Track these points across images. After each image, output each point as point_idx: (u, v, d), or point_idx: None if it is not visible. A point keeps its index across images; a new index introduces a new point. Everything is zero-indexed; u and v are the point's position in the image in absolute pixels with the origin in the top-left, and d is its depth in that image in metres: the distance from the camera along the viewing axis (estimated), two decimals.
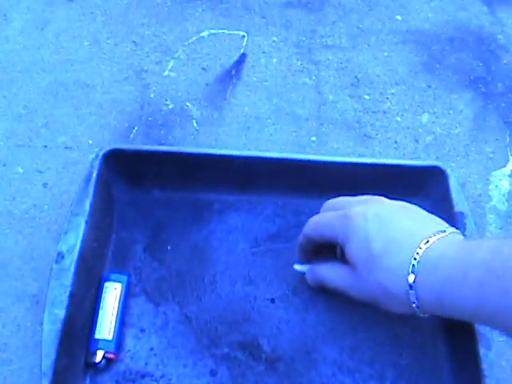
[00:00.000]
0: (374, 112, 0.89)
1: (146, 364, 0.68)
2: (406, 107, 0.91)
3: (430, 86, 0.94)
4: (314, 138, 0.86)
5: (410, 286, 0.53)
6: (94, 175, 0.72)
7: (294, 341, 0.70)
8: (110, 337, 0.67)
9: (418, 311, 0.55)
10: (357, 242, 0.57)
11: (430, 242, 0.53)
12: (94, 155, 0.74)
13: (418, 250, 0.53)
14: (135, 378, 0.67)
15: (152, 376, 0.67)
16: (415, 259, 0.52)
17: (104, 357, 0.66)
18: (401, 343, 0.70)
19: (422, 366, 0.69)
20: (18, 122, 0.87)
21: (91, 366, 0.66)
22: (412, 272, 0.53)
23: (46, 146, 0.85)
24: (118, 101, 0.89)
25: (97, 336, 0.67)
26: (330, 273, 0.64)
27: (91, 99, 0.90)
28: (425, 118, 0.90)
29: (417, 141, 0.87)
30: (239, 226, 0.77)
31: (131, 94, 0.90)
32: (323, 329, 0.70)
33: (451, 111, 0.91)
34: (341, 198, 0.66)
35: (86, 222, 0.69)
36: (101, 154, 0.74)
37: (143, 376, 0.67)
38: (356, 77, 0.93)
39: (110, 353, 0.66)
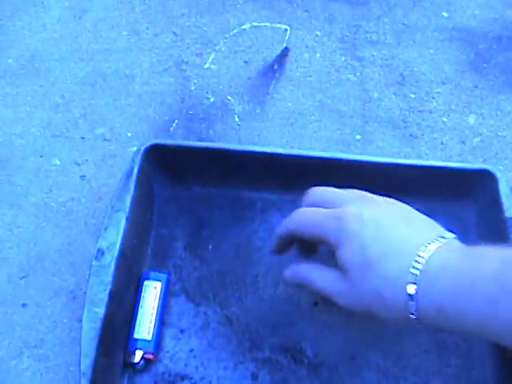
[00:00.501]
0: (419, 111, 0.87)
1: (185, 365, 0.66)
2: (453, 107, 0.88)
3: (476, 86, 0.91)
4: (358, 137, 0.84)
5: (410, 296, 0.50)
6: (136, 170, 0.70)
7: (338, 346, 0.68)
8: (149, 337, 0.65)
9: (417, 322, 0.52)
10: (351, 246, 0.53)
11: (430, 249, 0.50)
12: (135, 149, 0.72)
13: (418, 258, 0.50)
14: (174, 379, 0.65)
15: (191, 378, 0.66)
16: (415, 268, 0.49)
17: (143, 357, 0.64)
18: (447, 351, 0.68)
19: (468, 375, 0.67)
20: (55, 113, 0.86)
21: (130, 366, 0.65)
22: (412, 282, 0.50)
23: (83, 138, 0.83)
24: (157, 92, 0.87)
25: (136, 336, 0.66)
26: (315, 275, 0.59)
27: (130, 90, 0.88)
28: (472, 118, 0.87)
29: (463, 142, 0.85)
30: None
31: (171, 86, 0.88)
32: (368, 334, 0.68)
33: (499, 112, 0.88)
34: (328, 190, 0.62)
35: (127, 219, 0.67)
36: (142, 148, 0.72)
37: (183, 378, 0.66)
38: (401, 74, 0.91)
39: (149, 353, 0.64)
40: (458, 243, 0.53)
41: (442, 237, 0.52)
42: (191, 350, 0.67)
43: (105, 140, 0.83)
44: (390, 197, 0.71)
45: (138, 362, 0.64)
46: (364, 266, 0.53)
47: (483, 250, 0.50)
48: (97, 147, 0.82)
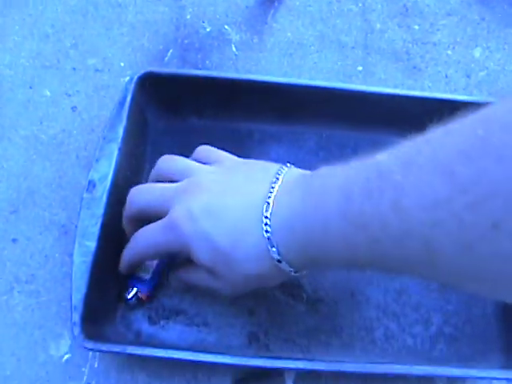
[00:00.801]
0: (423, 43, 0.84)
1: (180, 301, 0.65)
2: (458, 40, 0.85)
3: (483, 19, 0.87)
4: (360, 68, 0.81)
5: (278, 261, 0.47)
6: (128, 99, 0.67)
7: (337, 282, 0.66)
8: (147, 276, 0.63)
9: (297, 274, 0.50)
10: (200, 248, 0.50)
11: (271, 202, 0.46)
12: (127, 78, 0.69)
13: (265, 220, 0.46)
14: (169, 315, 0.64)
15: (186, 313, 0.65)
16: (267, 232, 0.46)
17: (136, 295, 0.62)
18: (448, 288, 0.66)
19: (468, 312, 0.66)
20: (45, 43, 0.82)
21: (122, 301, 0.62)
22: (271, 246, 0.47)
23: (74, 69, 0.80)
24: (151, 22, 0.84)
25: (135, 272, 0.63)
26: (193, 278, 0.57)
27: (123, 20, 0.84)
28: (477, 52, 0.84)
29: (468, 76, 0.82)
30: (281, 159, 0.72)
31: (166, 15, 0.84)
32: (369, 271, 0.66)
33: (506, 46, 0.85)
34: (170, 165, 0.60)
35: (119, 149, 0.64)
36: (135, 77, 0.69)
37: (177, 313, 0.64)
38: (405, 5, 0.87)
39: (144, 293, 0.62)
40: (295, 173, 0.51)
41: (277, 178, 0.49)
42: (186, 285, 0.65)
43: (97, 70, 0.79)
44: (390, 129, 0.69)
45: (131, 299, 0.62)
46: (224, 260, 0.49)
47: (322, 175, 0.47)
48: (88, 78, 0.79)
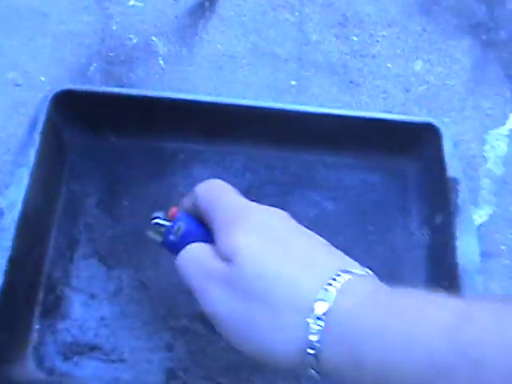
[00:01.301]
0: (362, 56, 0.80)
1: (95, 335, 0.60)
2: (398, 52, 0.82)
3: (425, 30, 0.84)
4: (293, 82, 0.77)
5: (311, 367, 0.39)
6: (42, 119, 0.63)
7: None
8: None
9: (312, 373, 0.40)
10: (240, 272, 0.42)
11: (329, 305, 0.38)
12: (42, 96, 0.64)
13: (318, 314, 0.38)
14: (83, 350, 0.60)
15: (101, 349, 0.60)
16: (315, 332, 0.38)
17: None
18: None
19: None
20: None
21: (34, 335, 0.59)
22: (311, 347, 0.38)
23: None
24: (75, 33, 0.79)
25: None
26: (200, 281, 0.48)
27: (46, 30, 0.80)
28: (418, 65, 0.81)
29: (408, 90, 0.78)
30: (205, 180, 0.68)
31: (91, 26, 0.80)
32: None
33: (447, 59, 0.82)
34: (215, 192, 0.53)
35: (31, 175, 0.60)
36: (50, 95, 0.64)
37: (92, 348, 0.60)
38: (344, 15, 0.83)
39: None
40: (370, 282, 0.41)
41: (347, 271, 0.40)
42: (102, 318, 0.61)
43: (16, 85, 0.75)
44: (322, 149, 0.66)
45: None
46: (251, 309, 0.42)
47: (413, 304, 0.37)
48: (7, 93, 0.74)
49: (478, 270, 0.61)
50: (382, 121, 0.69)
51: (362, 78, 0.79)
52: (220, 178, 0.65)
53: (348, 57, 0.80)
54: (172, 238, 0.52)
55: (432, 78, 0.80)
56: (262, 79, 0.77)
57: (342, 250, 0.64)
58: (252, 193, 0.68)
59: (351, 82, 0.78)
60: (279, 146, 0.70)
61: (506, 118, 0.78)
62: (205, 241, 0.49)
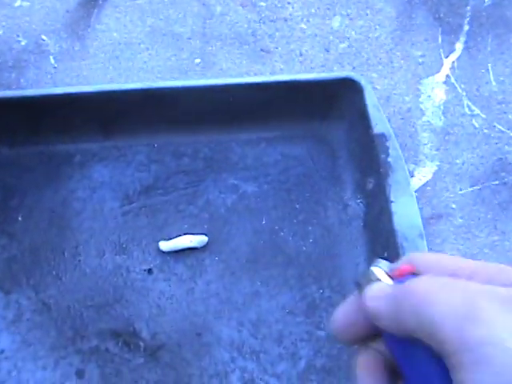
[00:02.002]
0: (272, 21, 0.73)
1: None
2: (313, 11, 0.74)
3: None
4: (198, 61, 0.70)
5: None
6: None
7: (180, 321, 0.56)
8: None
9: None
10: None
11: None
12: None
13: None
14: None
15: None
16: None
17: None
18: (318, 308, 0.55)
19: None
20: None
21: None
22: None
23: None
24: None
25: None
26: None
27: None
28: (336, 21, 0.73)
29: (327, 50, 0.71)
30: (106, 181, 0.61)
31: None
32: (216, 301, 0.55)
33: (368, 11, 0.75)
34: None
35: None
36: None
37: None
38: None
39: None
40: None
41: None
42: (1, 351, 0.55)
43: None
44: (236, 127, 0.59)
45: None
46: None
47: None
48: None
49: (420, 235, 0.53)
50: (295, 83, 0.62)
51: (274, 44, 0.71)
52: (121, 174, 0.58)
53: (257, 24, 0.73)
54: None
55: (353, 33, 0.73)
56: (162, 62, 0.70)
57: (267, 235, 0.56)
58: (158, 186, 0.61)
59: (262, 50, 0.71)
60: (186, 130, 0.64)
61: (440, 63, 0.71)
62: None
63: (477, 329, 0.25)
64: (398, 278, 0.29)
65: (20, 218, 0.60)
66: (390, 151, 0.57)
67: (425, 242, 0.54)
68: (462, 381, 0.26)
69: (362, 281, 0.29)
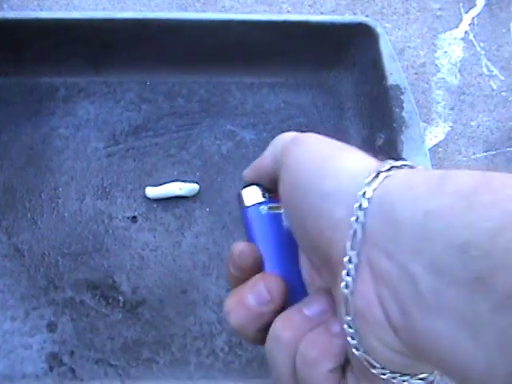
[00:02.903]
0: None
1: None
2: None
3: None
4: None
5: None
6: None
7: (164, 276, 0.51)
8: None
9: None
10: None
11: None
12: None
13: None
14: None
15: None
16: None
17: None
18: None
19: None
20: None
21: None
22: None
23: None
24: None
25: None
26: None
27: None
28: None
29: None
30: (92, 118, 0.56)
31: None
32: (205, 256, 0.50)
33: None
34: None
35: None
36: None
37: None
38: None
39: None
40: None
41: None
42: None
43: None
44: (237, 69, 0.54)
45: None
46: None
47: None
48: None
49: None
50: (305, 24, 0.56)
51: None
52: (108, 112, 0.53)
53: None
54: (262, 210, 0.39)
55: None
56: None
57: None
58: (148, 128, 0.56)
59: None
60: (182, 69, 0.58)
61: (459, 19, 0.66)
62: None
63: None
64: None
65: None
66: (404, 105, 0.52)
67: None
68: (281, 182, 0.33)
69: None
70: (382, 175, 0.28)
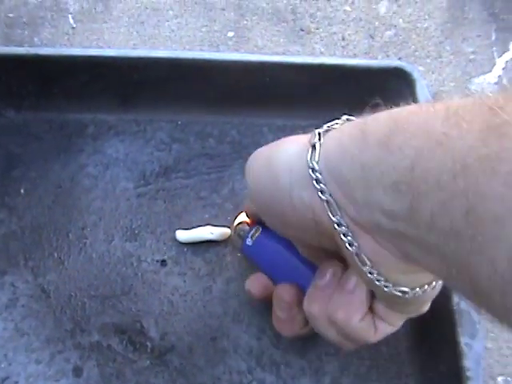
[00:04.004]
0: None
1: None
2: None
3: None
4: (231, 34, 0.64)
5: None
6: None
7: (193, 322, 0.50)
8: None
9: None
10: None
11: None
12: None
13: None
14: None
15: None
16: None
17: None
18: None
19: (375, 352, 0.50)
20: None
21: None
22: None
23: None
24: None
25: None
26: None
27: None
28: (383, 7, 0.67)
29: (372, 37, 0.65)
30: (121, 158, 0.55)
31: None
32: (235, 303, 0.50)
33: None
34: None
35: None
36: None
37: None
38: None
39: None
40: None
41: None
42: None
43: None
44: (270, 111, 0.53)
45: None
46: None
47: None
48: None
49: None
50: (341, 67, 0.55)
51: (315, 25, 0.65)
52: (138, 152, 0.52)
53: (297, 1, 0.66)
54: (248, 242, 0.47)
55: (400, 21, 0.67)
56: (192, 33, 0.64)
57: None
58: (179, 169, 0.55)
59: (302, 30, 0.65)
60: (214, 109, 0.57)
61: (492, 63, 0.65)
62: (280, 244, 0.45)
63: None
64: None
65: (22, 191, 0.54)
66: None
67: None
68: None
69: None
70: (317, 146, 0.33)
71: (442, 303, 0.46)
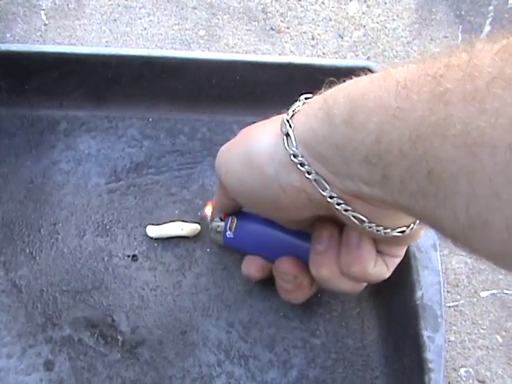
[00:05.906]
0: None
1: None
2: None
3: None
4: (202, 33, 0.64)
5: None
6: None
7: (164, 316, 0.50)
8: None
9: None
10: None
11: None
12: None
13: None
14: None
15: None
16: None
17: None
18: (314, 314, 0.51)
19: (341, 345, 0.51)
20: None
21: None
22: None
23: None
24: None
25: None
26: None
27: None
28: (352, 7, 0.68)
29: (341, 36, 0.66)
30: (93, 154, 0.56)
31: None
32: (205, 297, 0.50)
33: (387, 0, 0.69)
34: None
35: None
36: None
37: None
38: None
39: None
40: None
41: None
42: None
43: None
44: (239, 108, 0.54)
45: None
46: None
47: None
48: None
49: (433, 245, 0.49)
50: (310, 67, 0.56)
51: (286, 24, 0.66)
52: (109, 149, 0.53)
53: (269, 1, 0.67)
54: (229, 234, 0.48)
55: (369, 21, 0.68)
56: (164, 31, 0.64)
57: None
58: (150, 165, 0.55)
59: (272, 29, 0.66)
60: (185, 106, 0.58)
61: None
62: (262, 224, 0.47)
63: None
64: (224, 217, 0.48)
65: None
66: None
67: (438, 254, 0.50)
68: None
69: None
70: (290, 133, 0.35)
71: (405, 298, 0.48)
